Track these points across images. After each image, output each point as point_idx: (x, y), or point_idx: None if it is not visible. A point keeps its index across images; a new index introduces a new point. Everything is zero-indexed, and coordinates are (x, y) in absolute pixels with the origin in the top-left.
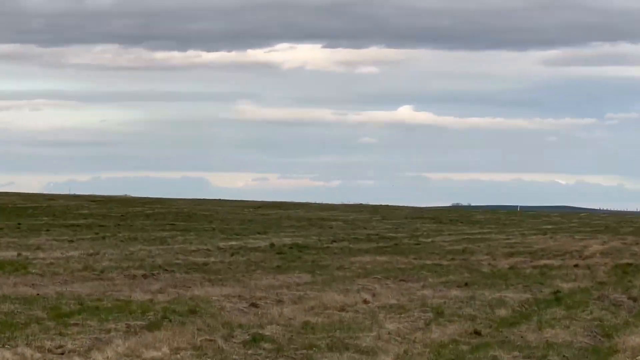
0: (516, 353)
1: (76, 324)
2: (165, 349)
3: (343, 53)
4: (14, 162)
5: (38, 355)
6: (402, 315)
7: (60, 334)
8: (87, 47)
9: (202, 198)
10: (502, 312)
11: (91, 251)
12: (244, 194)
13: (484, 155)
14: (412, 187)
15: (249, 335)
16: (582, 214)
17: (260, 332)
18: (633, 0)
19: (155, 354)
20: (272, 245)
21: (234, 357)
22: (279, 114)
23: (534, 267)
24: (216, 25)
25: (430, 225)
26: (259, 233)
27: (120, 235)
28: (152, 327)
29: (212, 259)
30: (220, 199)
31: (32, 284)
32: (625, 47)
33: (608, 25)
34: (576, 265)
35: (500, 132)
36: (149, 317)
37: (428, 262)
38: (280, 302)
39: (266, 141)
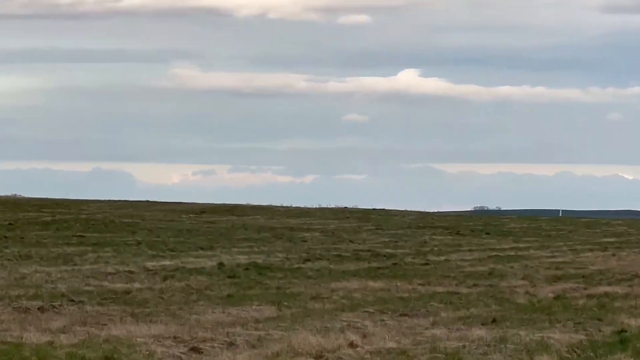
0: None
1: None
2: None
3: None
4: None
5: None
6: None
7: None
8: None
9: (122, 200)
10: (544, 359)
11: None
12: (180, 194)
13: (518, 139)
14: (418, 184)
15: None
16: None
17: None
18: None
19: None
20: (220, 265)
21: None
22: (231, 82)
23: (590, 296)
24: None
25: (444, 237)
26: (202, 249)
27: (8, 251)
28: None
29: (137, 285)
30: (148, 201)
31: None
32: None
33: None
34: None
35: (541, 106)
36: None
37: (440, 289)
38: (232, 345)
39: (212, 120)
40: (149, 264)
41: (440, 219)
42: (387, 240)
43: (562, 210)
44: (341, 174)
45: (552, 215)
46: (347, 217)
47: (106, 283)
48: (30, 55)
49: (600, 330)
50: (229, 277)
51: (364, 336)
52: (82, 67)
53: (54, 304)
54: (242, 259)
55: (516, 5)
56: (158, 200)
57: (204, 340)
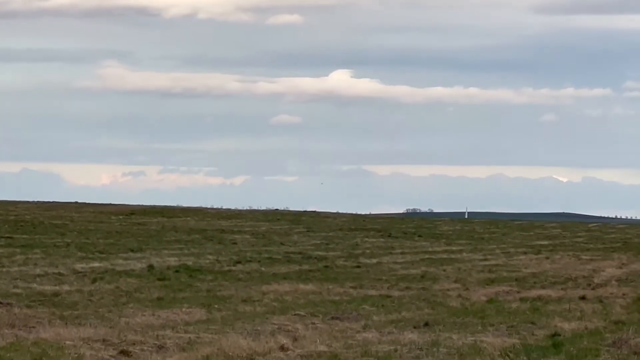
0: None
1: None
2: None
3: None
4: None
5: None
6: None
7: None
8: None
9: (51, 201)
10: None
11: None
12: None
13: (451, 140)
14: (350, 186)
15: None
16: (592, 225)
17: None
18: None
19: None
20: (150, 267)
21: None
22: (160, 81)
23: (523, 299)
24: None
25: (376, 240)
26: (132, 251)
27: None
28: None
29: (66, 287)
30: (77, 202)
31: None
32: None
33: None
34: (583, 298)
35: (474, 107)
36: None
37: (372, 292)
38: (162, 348)
39: (142, 120)
40: (78, 266)
41: (372, 222)
42: (318, 242)
43: (467, 212)
44: (272, 175)
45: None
46: (278, 219)
47: (35, 285)
48: None
49: (533, 334)
50: (159, 279)
51: (295, 339)
52: (8, 66)
53: None
54: (173, 261)
55: (448, 6)
56: (87, 202)
57: (134, 344)
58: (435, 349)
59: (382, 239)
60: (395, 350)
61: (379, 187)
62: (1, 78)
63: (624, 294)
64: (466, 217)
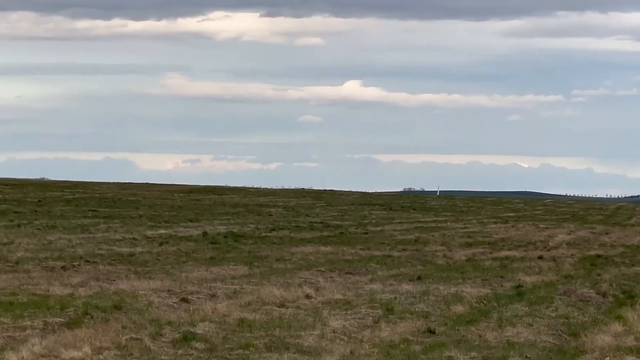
0: (474, 353)
1: None
2: (87, 349)
3: (283, 22)
4: None
5: None
6: (349, 312)
7: None
8: (0, 14)
9: (127, 182)
10: (458, 308)
11: (5, 240)
12: (173, 178)
13: (438, 135)
14: (360, 171)
15: (179, 333)
16: (547, 201)
17: (192, 330)
18: None
19: (75, 354)
20: (205, 234)
21: (162, 357)
22: (213, 89)
23: (494, 259)
24: None
25: (380, 212)
26: (190, 221)
27: (37, 222)
28: (73, 324)
29: (139, 249)
30: (147, 183)
31: None
32: (593, 17)
33: None
34: (540, 257)
35: (456, 110)
36: (69, 313)
37: (377, 253)
38: (213, 296)
39: (198, 119)
40: (149, 233)
41: (377, 198)
42: (335, 214)
43: (439, 191)
44: (299, 162)
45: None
46: (304, 196)
47: (115, 247)
48: (53, 68)
49: (502, 286)
50: (211, 243)
51: (317, 289)
52: (94, 78)
53: (74, 264)
54: (222, 229)
55: (437, 31)
56: (156, 183)
57: (192, 293)
58: (426, 297)
59: (384, 212)
60: (395, 298)
61: (382, 171)
62: (89, 87)
63: (572, 255)
64: (437, 194)
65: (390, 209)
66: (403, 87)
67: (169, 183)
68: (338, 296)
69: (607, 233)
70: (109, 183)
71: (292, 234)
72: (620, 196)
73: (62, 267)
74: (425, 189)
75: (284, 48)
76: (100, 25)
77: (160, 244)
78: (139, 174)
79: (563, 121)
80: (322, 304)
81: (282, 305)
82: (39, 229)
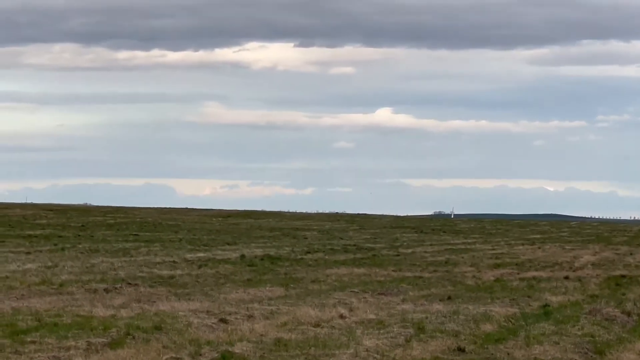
0: None
1: (33, 342)
2: None
3: (317, 52)
4: None
5: None
6: (381, 331)
7: (17, 352)
8: (44, 46)
9: (167, 207)
10: (487, 327)
11: (49, 263)
12: (212, 202)
13: (467, 160)
14: (392, 195)
15: (217, 353)
16: (573, 223)
17: (230, 349)
18: None
19: None
20: (242, 256)
21: None
22: (249, 117)
23: (521, 279)
24: (182, 22)
25: (411, 235)
26: (228, 244)
27: (81, 246)
28: (115, 344)
29: (179, 272)
30: (186, 208)
31: None
32: (616, 46)
33: (598, 22)
34: (566, 277)
35: (484, 135)
36: (112, 334)
37: (408, 274)
38: (251, 317)
39: (235, 146)
40: (188, 256)
41: (408, 221)
42: (368, 237)
43: (453, 214)
44: (333, 187)
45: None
46: (338, 220)
47: (155, 270)
48: (94, 97)
49: (529, 305)
50: (248, 265)
51: (351, 310)
52: (134, 106)
53: (116, 286)
54: (259, 251)
55: (465, 59)
56: (194, 208)
57: (230, 314)
58: (456, 316)
59: (415, 234)
60: (426, 317)
61: (413, 195)
62: (129, 115)
63: (597, 275)
64: (452, 217)
65: (421, 232)
66: (432, 114)
67: (207, 208)
68: (371, 316)
69: (631, 254)
70: (149, 208)
71: (326, 257)
72: None
73: (104, 289)
74: (455, 212)
75: (318, 77)
76: (139, 56)
77: (199, 267)
78: (178, 199)
79: (587, 146)
80: (355, 323)
81: (317, 325)
82: (82, 252)
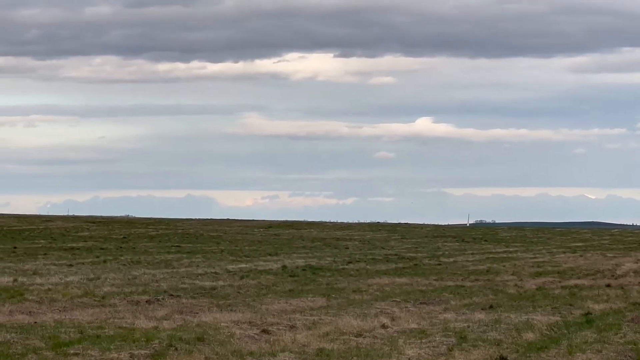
0: None
1: (76, 354)
2: None
3: (356, 62)
4: (8, 181)
5: None
6: (423, 341)
7: None
8: (85, 59)
9: (208, 218)
10: (529, 335)
11: (92, 276)
12: (253, 213)
13: (507, 168)
14: (432, 204)
15: None
16: (614, 230)
17: None
18: None
19: None
20: (284, 267)
21: None
22: (289, 128)
23: (563, 287)
24: (222, 34)
25: (452, 244)
26: (270, 255)
27: (123, 258)
28: (158, 356)
29: (221, 283)
30: (228, 219)
31: (29, 312)
32: None
33: (638, 30)
34: (608, 285)
35: (524, 144)
36: (154, 345)
37: (450, 283)
38: (293, 327)
39: (276, 156)
40: (230, 267)
41: (449, 230)
42: (409, 246)
43: (469, 223)
44: (374, 196)
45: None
46: (379, 230)
47: (197, 281)
48: (135, 109)
49: (571, 313)
50: (290, 276)
51: (393, 319)
52: (175, 118)
53: (158, 298)
54: (300, 262)
55: (505, 68)
56: (236, 219)
57: (272, 324)
58: (497, 325)
59: (457, 243)
60: (468, 327)
61: (454, 204)
62: (170, 127)
63: (639, 282)
64: (467, 225)
65: (462, 241)
66: (472, 123)
67: (249, 219)
68: (413, 325)
69: None
70: (191, 219)
71: (368, 266)
72: None
73: (146, 301)
74: (496, 221)
75: (358, 87)
76: (180, 68)
77: (241, 278)
78: (219, 210)
79: (628, 153)
80: (397, 333)
81: (359, 335)
82: (124, 264)
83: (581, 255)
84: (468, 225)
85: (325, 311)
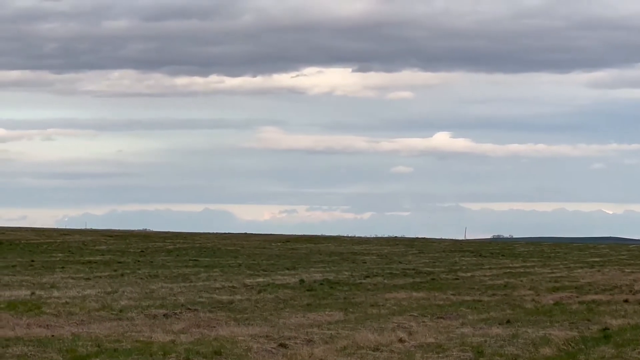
0: None
1: None
2: None
3: (374, 77)
4: (26, 195)
5: None
6: (440, 355)
7: None
8: (102, 72)
9: (226, 232)
10: (546, 351)
11: (109, 289)
12: (271, 228)
13: (525, 183)
14: (450, 219)
15: None
16: (632, 246)
17: None
18: None
19: None
20: (301, 281)
21: None
22: (307, 142)
23: (581, 302)
24: (240, 48)
25: (470, 258)
26: (287, 269)
27: (140, 272)
28: None
29: (238, 297)
30: (245, 233)
31: (47, 325)
32: None
33: None
34: (626, 301)
35: (542, 159)
36: (171, 359)
37: (467, 298)
38: (310, 342)
39: (293, 171)
40: (247, 281)
41: (467, 245)
42: (427, 261)
43: (465, 234)
44: (392, 211)
45: (552, 242)
46: (397, 244)
47: (215, 295)
48: (153, 123)
49: (589, 329)
50: (307, 290)
51: (410, 334)
52: (193, 132)
53: (175, 311)
54: (318, 276)
55: (522, 83)
56: (253, 233)
57: (289, 338)
58: (515, 340)
59: (474, 258)
60: (485, 341)
61: (471, 219)
62: (188, 141)
63: None
64: (464, 237)
65: (480, 255)
66: (490, 138)
67: (267, 233)
68: (430, 340)
69: None
70: (208, 233)
71: (385, 281)
72: None
73: (164, 315)
74: (514, 236)
75: (376, 101)
76: (198, 82)
77: (259, 292)
78: (237, 224)
79: None
80: (415, 347)
81: (376, 349)
82: (141, 278)
83: (599, 271)
84: (465, 238)
85: (342, 325)
